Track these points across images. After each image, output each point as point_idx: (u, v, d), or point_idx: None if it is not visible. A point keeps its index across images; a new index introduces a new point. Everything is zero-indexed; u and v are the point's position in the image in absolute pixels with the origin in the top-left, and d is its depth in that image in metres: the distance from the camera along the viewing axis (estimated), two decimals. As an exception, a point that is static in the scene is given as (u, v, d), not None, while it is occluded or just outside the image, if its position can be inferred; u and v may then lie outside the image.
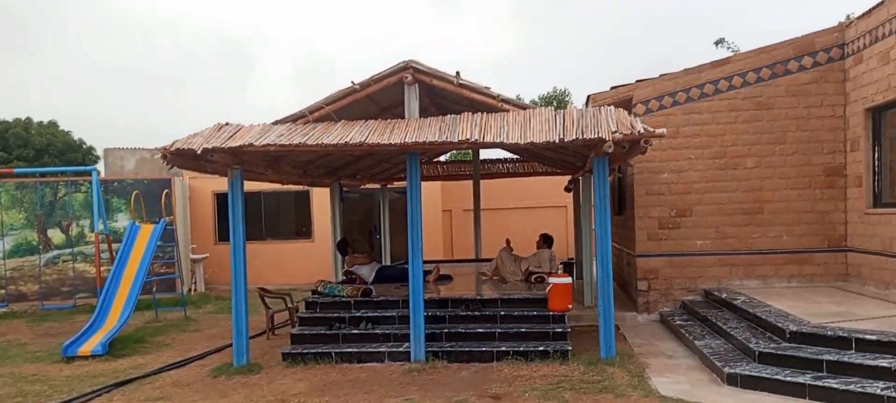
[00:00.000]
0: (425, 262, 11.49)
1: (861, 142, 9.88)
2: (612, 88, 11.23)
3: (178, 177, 17.13)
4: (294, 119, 8.76)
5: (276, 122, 8.64)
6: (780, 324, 7.37)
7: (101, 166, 26.32)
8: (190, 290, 15.70)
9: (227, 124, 8.42)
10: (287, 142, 7.87)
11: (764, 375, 6.66)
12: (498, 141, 7.68)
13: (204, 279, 17.15)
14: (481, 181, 16.14)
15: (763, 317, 7.90)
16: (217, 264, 17.99)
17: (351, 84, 8.67)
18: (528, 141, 7.54)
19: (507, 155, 16.54)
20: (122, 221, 15.22)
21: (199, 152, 7.77)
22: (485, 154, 16.87)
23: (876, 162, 9.69)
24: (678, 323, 9.60)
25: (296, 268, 17.86)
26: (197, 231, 18.18)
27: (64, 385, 7.92)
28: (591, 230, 11.65)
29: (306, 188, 17.77)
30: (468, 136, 7.71)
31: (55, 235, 15.05)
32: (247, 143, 7.82)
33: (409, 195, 8.34)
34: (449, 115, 8.38)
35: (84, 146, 29.39)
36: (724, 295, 9.65)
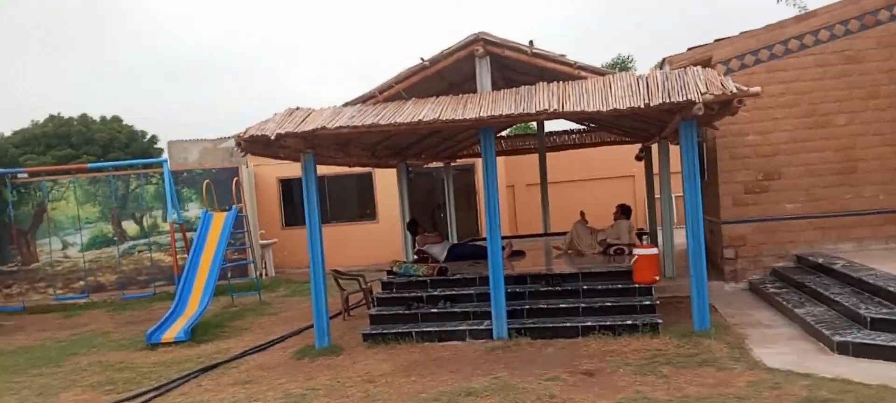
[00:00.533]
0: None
1: (965, 91, 9.18)
2: (690, 49, 10.72)
3: (244, 164, 17.29)
4: (364, 100, 8.59)
5: (346, 104, 8.49)
6: (890, 288, 6.89)
7: (163, 158, 26.85)
8: (260, 275, 15.85)
9: (297, 109, 8.31)
10: (359, 123, 7.70)
11: (878, 342, 6.23)
12: (578, 110, 7.34)
13: (273, 264, 17.31)
14: (546, 154, 15.75)
15: (869, 281, 7.41)
16: (285, 248, 18.16)
17: (420, 60, 8.45)
18: (611, 108, 7.19)
19: (573, 126, 16.12)
20: (192, 210, 15.43)
21: (272, 138, 7.67)
22: (550, 125, 16.48)
23: (984, 111, 9.00)
24: (771, 290, 9.15)
25: (362, 250, 17.85)
26: (263, 217, 18.35)
27: (151, 371, 8.00)
28: (671, 198, 11.25)
29: (369, 170, 17.75)
30: (546, 107, 7.40)
31: (129, 226, 15.37)
32: (319, 127, 7.68)
33: (484, 171, 8.09)
34: (523, 86, 8.05)
35: (146, 137, 29.89)
36: (820, 260, 9.13)
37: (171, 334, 9.49)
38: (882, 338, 6.28)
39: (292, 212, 18.88)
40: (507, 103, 7.64)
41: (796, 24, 10.22)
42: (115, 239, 15.15)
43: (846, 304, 7.21)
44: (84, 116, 28.19)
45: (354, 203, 18.93)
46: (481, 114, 7.44)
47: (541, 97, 7.62)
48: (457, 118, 7.49)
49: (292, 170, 17.56)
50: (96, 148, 26.79)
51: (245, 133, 7.87)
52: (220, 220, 11.89)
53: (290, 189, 18.79)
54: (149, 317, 11.80)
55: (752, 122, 10.25)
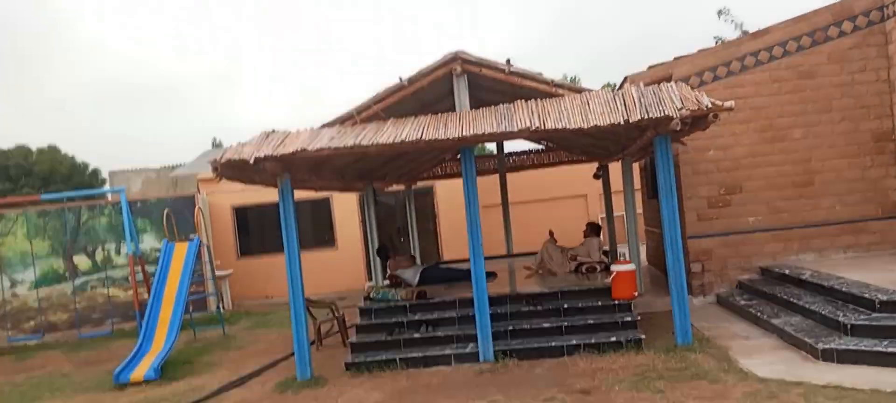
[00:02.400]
0: (461, 261, 11.20)
1: (912, 104, 9.67)
2: (650, 68, 10.98)
3: (197, 192, 16.83)
4: (341, 120, 8.51)
5: (323, 126, 8.38)
6: (866, 295, 7.13)
7: (106, 189, 26.16)
8: (220, 308, 15.41)
9: (273, 131, 8.17)
10: (340, 144, 7.60)
11: (861, 348, 6.43)
12: (559, 127, 7.40)
13: (230, 295, 16.83)
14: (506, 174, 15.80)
15: (842, 290, 7.66)
16: (241, 279, 17.70)
17: (399, 80, 8.42)
18: (592, 124, 7.29)
19: (530, 146, 16.30)
20: (147, 242, 14.91)
21: (251, 162, 7.49)
22: (507, 147, 16.59)
23: (931, 123, 9.49)
24: (741, 303, 9.36)
25: (320, 278, 17.45)
26: (218, 247, 17.86)
27: (126, 413, 7.65)
28: (637, 214, 11.46)
29: (326, 195, 17.51)
30: (527, 124, 7.45)
31: (80, 261, 14.71)
32: (300, 148, 7.55)
33: (466, 191, 8.10)
34: (502, 105, 8.11)
35: (89, 169, 29.02)
36: (786, 271, 9.41)
37: (140, 373, 9.08)
38: (865, 344, 6.49)
39: (247, 242, 18.43)
40: (487, 122, 7.67)
41: (752, 40, 10.60)
42: (67, 275, 14.48)
43: (823, 312, 7.43)
44: (21, 147, 27.14)
45: (310, 229, 18.60)
46: (464, 133, 7.45)
47: (521, 115, 7.67)
48: (439, 137, 7.47)
49: (247, 197, 17.23)
50: (35, 180, 25.83)
51: (222, 157, 7.66)
52: (182, 251, 11.51)
53: (245, 217, 18.36)
54: (109, 357, 11.29)
55: (713, 138, 10.52)
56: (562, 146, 14.84)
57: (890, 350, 6.24)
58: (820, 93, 10.40)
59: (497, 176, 15.63)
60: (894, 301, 6.81)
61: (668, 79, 10.67)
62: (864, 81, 10.33)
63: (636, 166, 15.02)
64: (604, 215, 15.22)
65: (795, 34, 10.47)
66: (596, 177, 15.71)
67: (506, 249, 15.49)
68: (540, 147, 16.09)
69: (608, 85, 27.15)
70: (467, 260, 8.56)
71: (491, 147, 19.10)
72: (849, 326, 6.81)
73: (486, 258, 15.40)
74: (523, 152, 16.73)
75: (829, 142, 10.41)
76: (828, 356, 6.57)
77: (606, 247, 14.31)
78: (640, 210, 15.44)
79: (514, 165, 16.49)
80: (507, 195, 15.62)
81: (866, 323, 6.75)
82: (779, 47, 10.49)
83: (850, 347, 6.49)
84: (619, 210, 14.72)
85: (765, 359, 6.98)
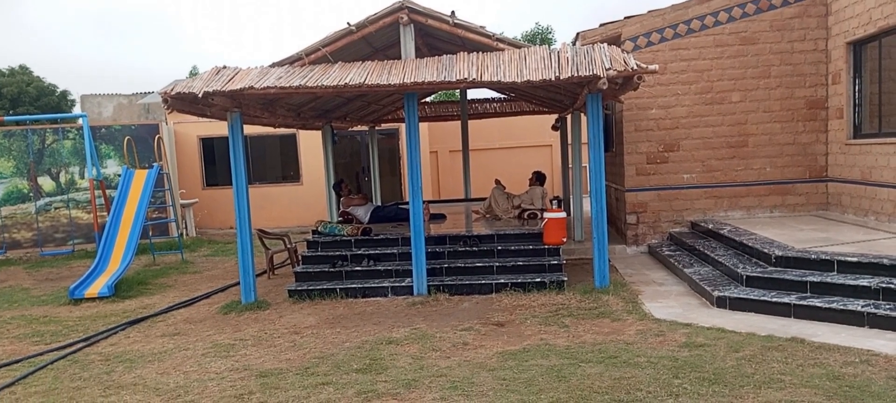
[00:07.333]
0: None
1: (842, 75, 10.18)
2: (601, 25, 11.37)
3: (163, 121, 17.09)
4: (291, 61, 8.84)
5: (273, 65, 8.72)
6: (765, 250, 7.76)
7: (77, 112, 26.09)
8: (181, 234, 15.85)
9: (224, 67, 8.49)
10: (286, 84, 7.97)
11: (751, 297, 7.07)
12: (495, 80, 7.84)
13: (194, 223, 17.28)
14: (468, 121, 16.27)
15: (749, 244, 8.29)
16: (206, 208, 18.12)
17: (347, 25, 8.74)
18: (525, 79, 7.72)
19: (495, 94, 16.70)
20: (111, 167, 15.23)
21: (200, 96, 7.85)
22: (472, 94, 17.00)
23: (856, 94, 10.02)
24: (666, 253, 9.99)
25: (284, 212, 18.04)
26: (184, 176, 18.21)
27: (77, 324, 8.15)
28: (582, 167, 12.00)
29: (293, 131, 17.85)
30: (465, 76, 7.86)
31: (45, 182, 15.04)
32: (247, 86, 7.91)
33: (407, 135, 8.52)
34: (445, 55, 8.50)
35: (57, 91, 28.87)
36: (710, 226, 10.03)
37: (94, 290, 9.57)
38: (755, 294, 7.13)
39: (213, 172, 18.77)
40: (429, 71, 8.07)
41: (699, 4, 10.99)
42: (32, 195, 14.82)
43: (728, 264, 8.06)
44: (-9, 68, 26.97)
45: (278, 164, 18.99)
46: (405, 80, 7.84)
47: (461, 66, 8.08)
48: (382, 83, 7.86)
49: (214, 128, 17.52)
50: (4, 101, 25.76)
51: (172, 89, 8.00)
52: (141, 178, 11.89)
53: (211, 148, 18.64)
54: (68, 274, 11.76)
55: (656, 97, 11.03)
56: (522, 96, 15.25)
57: (775, 300, 6.87)
58: (760, 60, 10.88)
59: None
60: (788, 256, 7.44)
61: (618, 38, 11.13)
62: (802, 50, 10.81)
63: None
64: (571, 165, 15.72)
65: (740, 1, 10.88)
66: (554, 128, 16.26)
67: (463, 193, 16.02)
68: (503, 96, 16.49)
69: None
70: (424, 202, 9.02)
71: (458, 93, 19.43)
72: (745, 277, 7.45)
73: (442, 201, 16.03)
74: (486, 100, 17.12)
75: (764, 107, 10.93)
76: (721, 302, 7.21)
77: (559, 196, 14.92)
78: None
79: (477, 112, 16.90)
80: (468, 141, 16.07)
81: (761, 274, 7.38)
82: (724, 13, 10.91)
83: (742, 296, 7.13)
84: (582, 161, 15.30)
85: (667, 303, 7.62)
